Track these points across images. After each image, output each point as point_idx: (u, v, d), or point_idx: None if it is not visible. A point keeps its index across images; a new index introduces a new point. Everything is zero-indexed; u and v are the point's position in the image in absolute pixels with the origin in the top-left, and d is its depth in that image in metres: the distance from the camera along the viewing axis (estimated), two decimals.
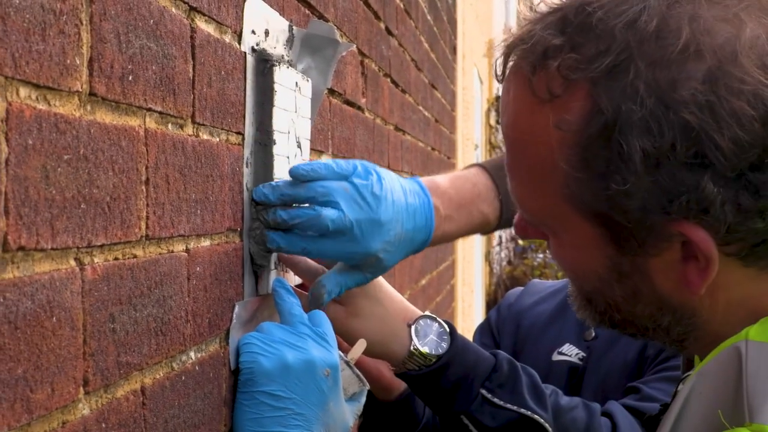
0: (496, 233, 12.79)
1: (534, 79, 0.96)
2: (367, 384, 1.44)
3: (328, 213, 1.32)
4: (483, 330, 2.09)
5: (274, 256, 1.40)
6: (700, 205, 0.91)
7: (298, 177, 1.35)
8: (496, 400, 1.48)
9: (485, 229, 1.64)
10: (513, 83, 1.00)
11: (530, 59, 0.97)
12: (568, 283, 2.08)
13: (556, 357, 1.88)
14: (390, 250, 1.40)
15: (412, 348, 1.47)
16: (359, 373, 1.41)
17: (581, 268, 1.03)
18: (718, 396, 0.95)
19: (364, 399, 1.44)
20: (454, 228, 1.55)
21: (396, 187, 1.42)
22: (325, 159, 1.65)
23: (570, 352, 1.88)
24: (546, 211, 1.01)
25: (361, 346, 1.46)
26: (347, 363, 1.39)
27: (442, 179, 1.59)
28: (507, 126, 1.02)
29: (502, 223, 1.62)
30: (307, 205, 1.33)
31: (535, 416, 1.48)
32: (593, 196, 0.95)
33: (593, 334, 1.86)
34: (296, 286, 1.46)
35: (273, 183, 1.35)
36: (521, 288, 2.16)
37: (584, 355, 1.85)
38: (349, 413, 1.38)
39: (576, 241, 1.00)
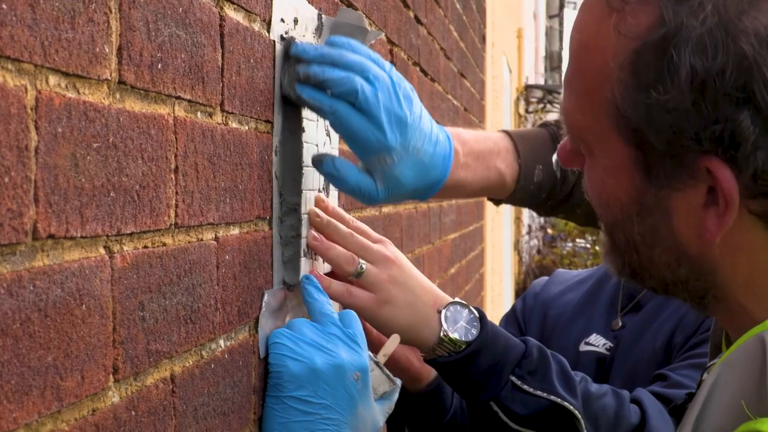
0: (525, 222, 12.76)
1: None
2: (398, 382, 1.43)
3: (361, 81, 1.31)
4: (509, 320, 2.08)
5: (303, 243, 1.39)
6: (733, 139, 0.90)
7: (333, 42, 1.35)
8: (526, 387, 1.48)
9: (500, 190, 1.63)
10: None
11: None
12: (593, 273, 2.07)
13: (583, 347, 1.87)
14: (404, 159, 1.38)
15: (442, 334, 1.46)
16: (389, 372, 1.40)
17: (607, 195, 1.02)
18: (742, 386, 0.93)
19: (395, 397, 1.43)
20: (470, 177, 1.54)
21: (424, 109, 1.42)
22: None
23: (597, 343, 1.87)
24: (588, 126, 1.00)
25: (394, 341, 1.46)
26: (376, 363, 1.38)
27: (464, 130, 1.59)
28: (574, 30, 1.02)
29: (518, 189, 1.62)
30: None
31: (565, 403, 1.47)
32: (634, 106, 0.94)
33: (620, 323, 1.85)
34: (326, 273, 1.46)
35: (316, 47, 1.34)
36: (546, 277, 2.15)
37: (612, 345, 1.84)
38: (380, 413, 1.37)
39: (608, 162, 1.00)
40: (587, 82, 0.99)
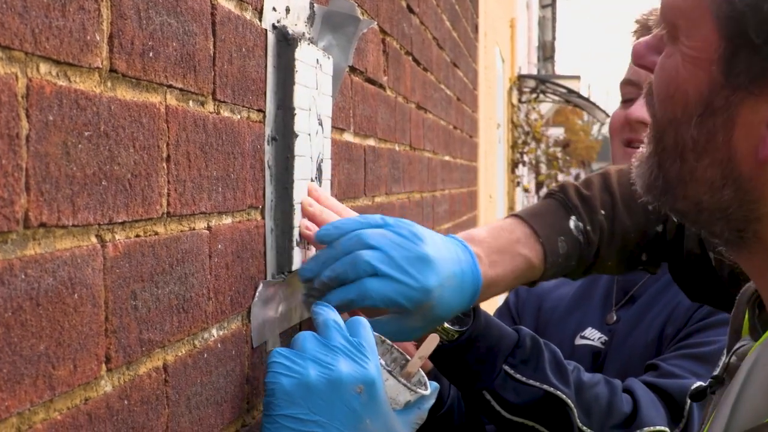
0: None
1: None
2: (426, 389, 1.38)
3: (367, 253, 1.30)
4: (502, 313, 2.08)
5: (296, 233, 1.39)
6: None
7: (323, 240, 1.34)
8: (518, 376, 1.48)
9: (534, 274, 1.56)
10: None
11: None
12: None
13: (578, 341, 1.88)
14: (443, 293, 1.35)
15: None
16: (406, 382, 1.35)
17: (675, 87, 0.97)
18: None
19: (427, 405, 1.36)
20: (502, 272, 1.49)
21: (433, 234, 1.39)
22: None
23: (592, 336, 1.87)
24: (685, 6, 0.96)
25: (432, 343, 1.41)
26: (390, 372, 1.33)
27: (476, 231, 1.54)
28: None
29: (549, 266, 1.55)
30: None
31: (558, 392, 1.48)
32: None
33: (615, 317, 1.86)
34: None
35: (314, 258, 1.34)
36: None
37: (606, 339, 1.85)
38: (404, 424, 1.31)
39: (691, 51, 0.95)
40: None
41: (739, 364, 0.99)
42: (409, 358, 1.39)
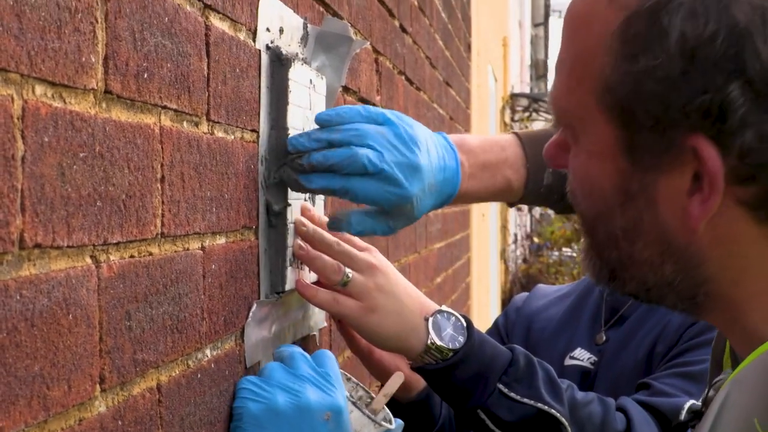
0: (512, 231, 12.78)
1: None
2: (395, 425, 1.40)
3: (365, 152, 1.33)
4: (491, 334, 2.08)
5: (289, 253, 1.40)
6: (721, 112, 0.88)
7: (322, 123, 1.36)
8: (512, 394, 1.48)
9: (508, 196, 1.64)
10: None
11: None
12: (574, 287, 2.08)
13: (568, 362, 1.88)
14: (422, 199, 1.41)
15: (429, 342, 1.47)
16: (371, 415, 1.36)
17: (590, 184, 0.99)
18: (753, 405, 0.91)
19: None
20: (477, 187, 1.55)
21: (428, 136, 1.43)
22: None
23: (582, 357, 1.87)
24: (575, 108, 0.98)
25: (396, 381, 1.44)
26: (355, 404, 1.34)
27: (472, 138, 1.60)
28: (568, 11, 1.00)
29: (527, 194, 1.62)
30: (343, 147, 1.34)
31: (552, 410, 1.48)
32: (622, 77, 0.92)
33: (604, 338, 1.86)
34: (313, 282, 1.46)
35: (305, 132, 1.35)
36: (527, 293, 2.16)
37: (596, 359, 1.85)
38: None
39: (593, 147, 0.97)
40: (576, 56, 0.97)
41: None
42: (374, 396, 1.41)
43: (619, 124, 0.94)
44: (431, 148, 1.43)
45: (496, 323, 2.10)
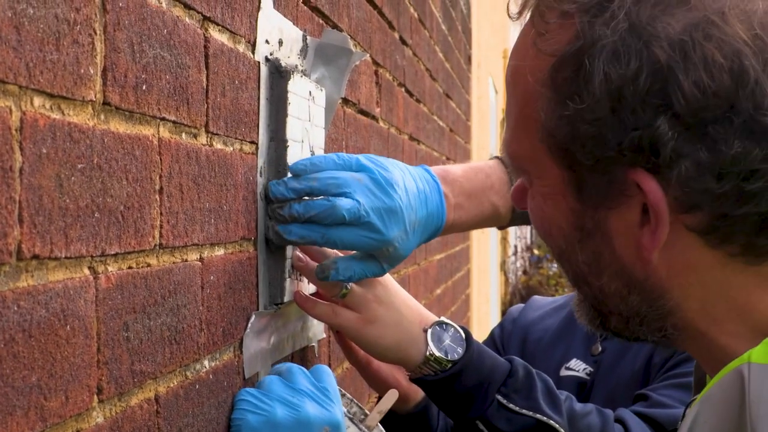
0: (512, 243, 12.77)
1: (537, 16, 0.97)
2: None
3: (343, 203, 1.33)
4: (488, 345, 2.08)
5: (288, 264, 1.40)
6: (652, 147, 0.90)
7: (297, 172, 1.35)
8: (511, 405, 1.48)
9: (497, 222, 1.64)
10: (525, 25, 1.01)
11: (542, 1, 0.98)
12: (569, 299, 2.08)
13: (564, 372, 1.88)
14: (405, 238, 1.41)
15: (428, 353, 1.47)
16: (365, 430, 1.38)
17: (549, 224, 1.02)
18: (723, 422, 0.91)
19: None
20: (465, 217, 1.56)
21: (406, 174, 1.43)
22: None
23: (578, 367, 1.87)
24: (524, 154, 1.01)
25: (390, 399, 1.45)
26: (351, 419, 1.36)
27: (455, 168, 1.60)
28: (507, 65, 1.04)
29: (514, 217, 1.62)
30: (321, 197, 1.34)
31: (551, 421, 1.48)
32: (557, 121, 0.94)
33: (600, 348, 1.86)
34: (312, 294, 1.46)
35: (284, 179, 1.36)
36: (523, 304, 2.16)
37: (592, 369, 1.85)
38: None
39: (546, 189, 1.00)
40: (519, 107, 1.00)
41: None
42: (368, 413, 1.42)
43: (564, 165, 0.96)
44: (410, 185, 1.43)
45: (492, 334, 2.10)
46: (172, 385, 1.05)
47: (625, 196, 0.94)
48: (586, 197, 0.96)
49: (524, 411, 1.48)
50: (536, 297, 2.18)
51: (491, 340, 2.09)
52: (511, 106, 1.02)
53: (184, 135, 1.09)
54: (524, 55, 0.99)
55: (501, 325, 2.10)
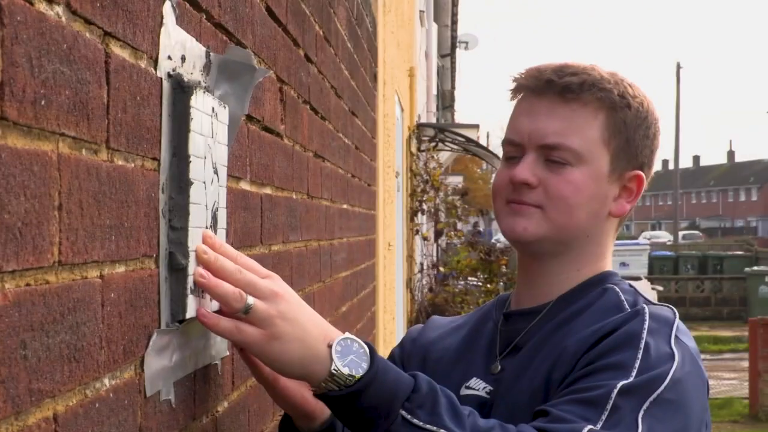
0: (418, 260, 12.82)
1: None
2: None
3: None
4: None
5: (190, 281, 1.39)
6: None
7: None
8: (415, 420, 1.49)
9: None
10: None
11: None
12: (468, 318, 2.10)
13: (464, 391, 1.89)
14: None
15: (332, 368, 1.47)
16: None
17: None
18: None
19: None
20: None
21: None
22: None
23: (477, 386, 1.89)
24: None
25: None
26: None
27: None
28: None
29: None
30: None
31: None
32: None
33: (499, 367, 1.88)
34: (215, 311, 1.46)
35: None
36: (422, 325, 2.17)
37: (492, 388, 1.86)
38: None
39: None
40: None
41: None
42: None
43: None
44: None
45: (392, 354, 2.10)
46: (71, 403, 1.04)
47: None
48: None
49: (428, 426, 1.49)
50: (436, 317, 2.19)
51: (392, 359, 2.10)
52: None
53: (84, 151, 1.08)
54: None
55: (401, 345, 2.11)
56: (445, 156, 16.14)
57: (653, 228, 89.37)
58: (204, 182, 1.43)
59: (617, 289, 1.80)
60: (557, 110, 1.82)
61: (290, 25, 2.36)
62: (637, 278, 15.38)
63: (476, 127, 15.56)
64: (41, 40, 0.96)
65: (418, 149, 12.98)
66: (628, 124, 1.83)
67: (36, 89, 0.95)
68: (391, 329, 7.63)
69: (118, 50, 1.17)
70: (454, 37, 24.37)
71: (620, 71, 1.89)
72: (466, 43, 27.79)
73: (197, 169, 1.39)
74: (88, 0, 1.07)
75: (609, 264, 1.91)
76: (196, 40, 1.47)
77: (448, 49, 24.77)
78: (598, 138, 1.81)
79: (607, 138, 1.81)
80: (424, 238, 13.57)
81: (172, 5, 1.36)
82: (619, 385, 1.59)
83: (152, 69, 1.29)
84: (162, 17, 1.31)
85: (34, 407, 0.95)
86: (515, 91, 1.90)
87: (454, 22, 23.06)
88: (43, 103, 0.96)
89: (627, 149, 1.83)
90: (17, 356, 0.91)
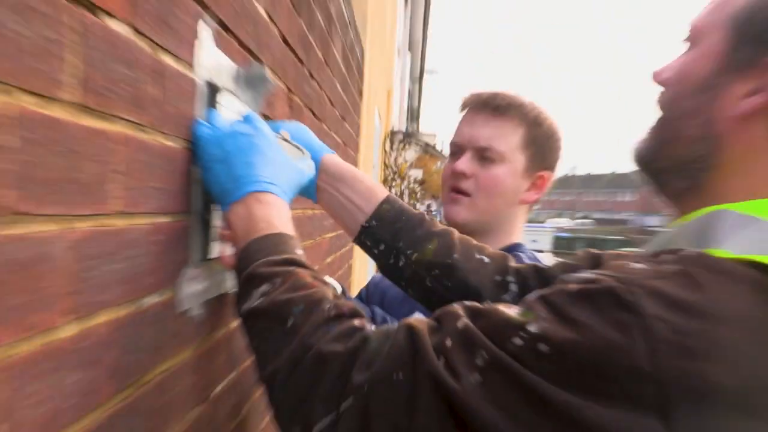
0: None
1: None
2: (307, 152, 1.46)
3: None
4: (358, 299, 2.12)
5: (213, 232, 1.40)
6: None
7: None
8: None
9: (353, 221, 1.47)
10: None
11: None
12: None
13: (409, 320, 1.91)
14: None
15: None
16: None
17: (687, 73, 0.95)
18: (690, 240, 0.83)
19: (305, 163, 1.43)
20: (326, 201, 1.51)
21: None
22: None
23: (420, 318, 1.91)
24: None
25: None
26: (284, 138, 1.41)
27: (350, 173, 1.52)
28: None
29: (357, 237, 1.44)
30: None
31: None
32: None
33: None
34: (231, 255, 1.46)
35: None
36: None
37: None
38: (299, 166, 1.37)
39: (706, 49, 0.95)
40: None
41: None
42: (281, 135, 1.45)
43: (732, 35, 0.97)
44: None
45: (359, 293, 2.14)
46: (122, 314, 1.06)
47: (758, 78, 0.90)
48: (733, 64, 0.92)
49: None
50: None
51: (359, 297, 2.12)
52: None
53: (141, 132, 1.09)
54: None
55: (367, 287, 2.13)
56: (410, 154, 16.14)
57: (558, 216, 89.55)
58: None
59: (522, 255, 1.83)
60: (490, 122, 1.84)
61: (298, 50, 2.36)
62: (542, 251, 15.43)
63: (434, 135, 15.52)
64: (112, 50, 0.97)
65: (391, 148, 12.98)
66: (539, 137, 1.85)
67: (107, 85, 0.96)
68: (364, 277, 7.65)
69: (166, 59, 1.18)
70: (422, 67, 24.25)
71: (536, 101, 1.91)
72: (433, 71, 27.70)
73: None
74: (147, 21, 1.08)
75: (520, 239, 1.93)
76: (227, 56, 1.48)
77: (418, 75, 24.65)
78: (518, 145, 1.83)
79: (524, 145, 1.83)
80: None
81: (209, 27, 1.36)
82: None
83: (191, 74, 1.30)
84: (200, 37, 1.32)
85: (95, 315, 0.97)
86: (462, 107, 1.93)
87: (423, 55, 22.93)
88: (112, 96, 0.97)
89: (538, 155, 1.85)
90: (84, 275, 0.93)
